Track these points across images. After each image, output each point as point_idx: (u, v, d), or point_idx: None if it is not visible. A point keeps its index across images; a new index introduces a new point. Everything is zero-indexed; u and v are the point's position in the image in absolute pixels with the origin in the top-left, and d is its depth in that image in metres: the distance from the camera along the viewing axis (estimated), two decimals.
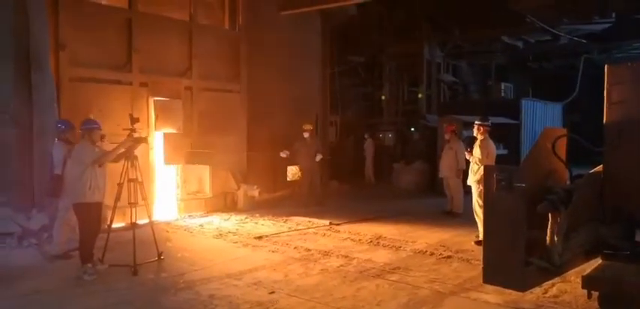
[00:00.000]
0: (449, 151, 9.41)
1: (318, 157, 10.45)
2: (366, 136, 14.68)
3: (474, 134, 7.44)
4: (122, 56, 8.75)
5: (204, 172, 9.70)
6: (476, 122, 7.42)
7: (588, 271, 4.20)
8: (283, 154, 10.41)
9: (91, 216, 5.63)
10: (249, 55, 10.68)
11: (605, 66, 4.51)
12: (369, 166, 14.40)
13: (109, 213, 6.06)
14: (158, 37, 9.24)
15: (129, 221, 6.16)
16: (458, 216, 9.03)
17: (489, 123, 7.41)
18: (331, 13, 12.73)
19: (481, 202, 6.13)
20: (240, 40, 10.63)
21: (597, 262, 4.32)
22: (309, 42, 12.62)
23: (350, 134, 15.71)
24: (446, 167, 9.45)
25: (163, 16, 9.50)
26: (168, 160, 9.08)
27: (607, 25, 14.35)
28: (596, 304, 4.14)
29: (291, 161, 10.69)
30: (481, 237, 5.91)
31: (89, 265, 5.57)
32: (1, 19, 7.38)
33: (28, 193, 7.41)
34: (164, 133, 9.09)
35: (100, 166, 5.64)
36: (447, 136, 9.57)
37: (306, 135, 10.49)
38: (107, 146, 6.17)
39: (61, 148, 6.29)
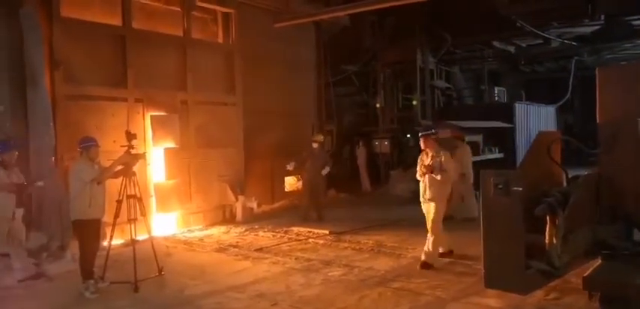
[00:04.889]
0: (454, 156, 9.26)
1: (325, 171, 9.96)
2: (360, 143, 14.70)
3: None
4: (117, 73, 8.78)
5: (202, 185, 9.69)
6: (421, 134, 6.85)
7: (588, 272, 4.24)
8: (290, 166, 9.97)
9: (90, 233, 5.64)
10: (244, 67, 10.73)
11: (596, 69, 4.58)
12: (364, 174, 14.39)
13: (109, 230, 6.05)
14: (152, 53, 9.28)
15: (128, 237, 6.16)
16: (473, 220, 8.30)
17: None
18: (324, 23, 12.82)
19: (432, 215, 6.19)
20: (234, 54, 10.68)
21: (598, 262, 4.36)
22: (303, 53, 12.70)
23: (346, 143, 15.74)
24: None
25: (157, 32, 9.55)
26: (169, 177, 9.08)
27: (596, 27, 14.51)
28: (597, 305, 4.16)
29: (298, 172, 10.36)
30: (442, 250, 6.31)
31: (91, 281, 5.56)
32: None
33: (25, 213, 7.36)
34: (165, 149, 9.08)
35: (98, 183, 5.65)
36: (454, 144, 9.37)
37: (315, 145, 10.09)
38: (104, 163, 6.16)
39: None
